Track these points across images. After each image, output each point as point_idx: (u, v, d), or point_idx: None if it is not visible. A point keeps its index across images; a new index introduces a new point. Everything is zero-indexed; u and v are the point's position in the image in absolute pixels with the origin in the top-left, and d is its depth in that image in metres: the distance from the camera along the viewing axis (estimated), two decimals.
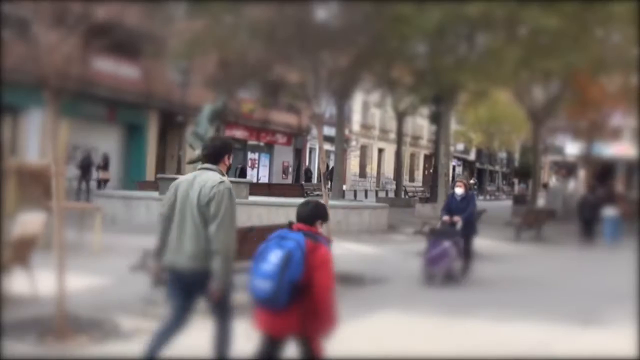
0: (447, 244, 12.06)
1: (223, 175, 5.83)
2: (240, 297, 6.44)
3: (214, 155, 5.88)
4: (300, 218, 5.34)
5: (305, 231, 5.21)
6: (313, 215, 5.36)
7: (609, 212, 21.10)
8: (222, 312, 5.85)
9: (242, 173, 29.85)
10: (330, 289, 5.15)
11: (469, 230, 12.86)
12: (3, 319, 7.59)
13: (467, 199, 13.00)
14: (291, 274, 5.01)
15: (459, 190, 13.03)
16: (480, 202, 42.44)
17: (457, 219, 12.66)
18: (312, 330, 5.22)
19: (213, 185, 5.61)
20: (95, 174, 28.49)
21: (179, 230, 5.73)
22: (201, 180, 5.70)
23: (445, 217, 12.93)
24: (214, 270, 5.54)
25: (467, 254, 12.67)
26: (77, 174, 27.60)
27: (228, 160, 5.95)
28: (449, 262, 12.01)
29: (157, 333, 5.91)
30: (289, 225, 5.32)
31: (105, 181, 27.55)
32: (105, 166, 28.20)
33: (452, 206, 13.02)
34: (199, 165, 5.97)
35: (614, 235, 20.55)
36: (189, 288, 5.80)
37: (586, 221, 21.51)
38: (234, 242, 5.80)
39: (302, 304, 5.07)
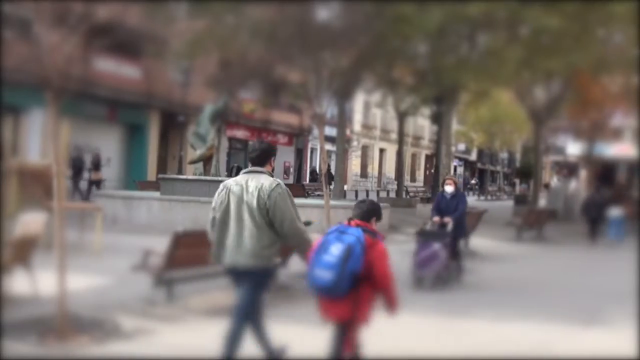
0: (437, 246, 11.71)
1: (272, 176, 6.24)
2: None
3: (261, 158, 6.31)
4: (357, 215, 5.77)
5: (363, 227, 5.64)
6: (369, 212, 5.81)
7: (615, 212, 21.18)
8: (256, 292, 6.26)
9: (238, 172, 29.74)
10: (391, 278, 5.70)
11: (459, 231, 12.54)
12: (5, 319, 7.60)
13: (457, 197, 12.62)
14: (352, 266, 5.42)
15: (449, 189, 12.66)
16: (482, 203, 42.54)
17: (448, 220, 12.29)
18: (360, 318, 5.67)
19: (271, 188, 6.03)
20: (86, 175, 28.22)
21: (237, 232, 6.05)
22: (255, 183, 6.08)
23: (436, 218, 12.59)
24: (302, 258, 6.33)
25: (455, 255, 12.37)
26: (68, 175, 27.45)
27: (273, 163, 6.42)
28: (439, 264, 11.66)
29: (230, 331, 6.20)
30: (348, 221, 5.75)
31: (97, 182, 27.29)
32: (96, 167, 27.93)
33: (442, 205, 12.64)
34: (249, 168, 6.32)
35: (619, 235, 20.62)
36: (245, 281, 6.12)
37: (592, 221, 21.59)
38: (306, 234, 6.23)
39: (357, 293, 5.52)
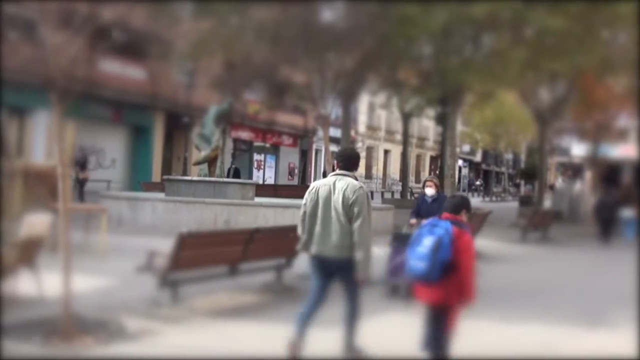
0: None
1: (357, 179, 7.07)
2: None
3: (348, 163, 7.12)
4: (448, 209, 6.61)
5: (452, 220, 6.44)
6: (459, 206, 6.63)
7: (627, 213, 21.23)
8: (355, 293, 7.06)
9: (236, 173, 29.67)
10: (472, 269, 6.39)
11: None
12: (9, 319, 7.61)
13: (439, 200, 11.40)
14: (441, 255, 6.23)
15: (430, 191, 11.86)
16: (487, 204, 42.47)
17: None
18: (454, 301, 6.45)
19: (354, 190, 6.85)
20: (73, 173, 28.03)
21: (323, 226, 6.92)
22: (342, 184, 6.92)
23: (413, 221, 11.66)
24: (358, 259, 6.79)
25: None
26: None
27: (357, 167, 7.24)
28: None
29: (303, 312, 7.06)
30: (439, 215, 6.63)
31: (84, 181, 27.12)
32: (83, 165, 27.78)
33: (422, 209, 11.74)
34: (337, 171, 7.10)
35: (632, 236, 20.66)
36: (331, 272, 7.01)
37: (604, 222, 21.65)
38: (372, 236, 7.06)
39: (449, 279, 6.27)
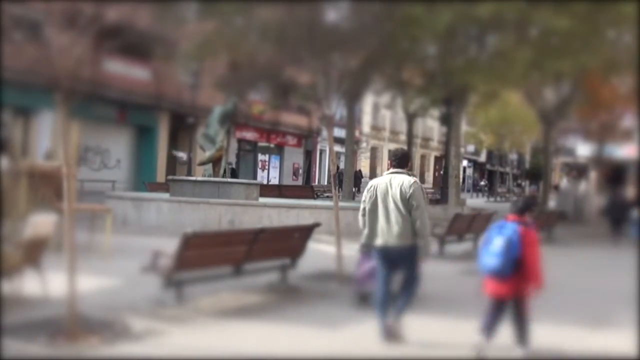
0: None
1: (410, 175, 7.87)
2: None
3: (401, 161, 7.97)
4: (513, 211, 7.39)
5: (518, 221, 7.23)
6: (523, 209, 7.40)
7: (637, 213, 21.27)
8: (415, 278, 7.88)
9: (233, 173, 29.68)
10: (539, 262, 7.19)
11: None
12: (14, 319, 7.64)
13: None
14: (512, 253, 7.04)
15: None
16: (491, 204, 42.39)
17: None
18: (525, 292, 7.27)
19: (410, 184, 7.69)
20: None
21: (385, 219, 7.75)
22: (398, 181, 7.76)
23: None
24: (420, 245, 7.67)
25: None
26: None
27: (408, 164, 8.13)
28: None
29: (380, 302, 7.88)
30: (505, 217, 7.39)
31: None
32: None
33: None
34: (390, 170, 7.93)
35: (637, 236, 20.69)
36: (395, 259, 7.81)
37: (615, 222, 21.72)
38: (427, 224, 7.78)
39: (519, 274, 7.11)
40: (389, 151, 8.14)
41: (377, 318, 7.82)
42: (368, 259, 9.41)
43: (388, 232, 7.73)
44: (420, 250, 7.69)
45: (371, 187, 7.97)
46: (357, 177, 45.92)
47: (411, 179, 7.80)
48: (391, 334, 7.75)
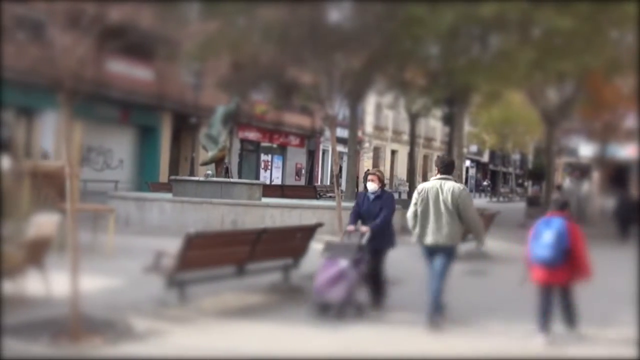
0: (343, 263, 8.96)
1: (456, 182, 8.85)
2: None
3: (448, 169, 8.90)
4: (555, 208, 8.29)
5: (562, 216, 8.11)
6: (564, 204, 8.35)
7: None
8: (448, 271, 8.72)
9: (227, 172, 29.56)
10: (586, 253, 8.06)
11: (382, 242, 9.58)
12: (17, 319, 7.65)
13: (383, 199, 9.68)
14: (562, 244, 7.90)
15: (372, 186, 9.72)
16: (494, 204, 42.39)
17: (365, 230, 9.39)
18: (573, 280, 8.17)
19: (459, 190, 8.66)
20: None
21: (435, 220, 8.61)
22: (447, 187, 8.65)
23: (350, 227, 9.71)
24: (477, 238, 9.48)
25: (376, 276, 9.60)
26: None
27: (453, 171, 9.08)
28: (348, 288, 8.87)
29: (433, 293, 8.55)
30: (547, 213, 8.32)
31: None
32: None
33: (363, 209, 9.76)
34: (438, 176, 8.82)
35: None
36: (440, 259, 8.63)
37: (624, 222, 21.78)
38: (480, 222, 9.13)
39: (567, 264, 7.97)
40: (437, 157, 9.23)
41: (428, 310, 8.49)
42: (331, 265, 9.01)
43: (438, 232, 8.60)
44: (478, 243, 9.62)
45: (422, 190, 8.81)
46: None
47: (460, 185, 8.78)
48: (438, 325, 8.42)
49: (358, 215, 9.80)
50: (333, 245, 9.48)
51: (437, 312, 8.48)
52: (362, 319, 8.85)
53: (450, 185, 8.64)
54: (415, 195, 8.86)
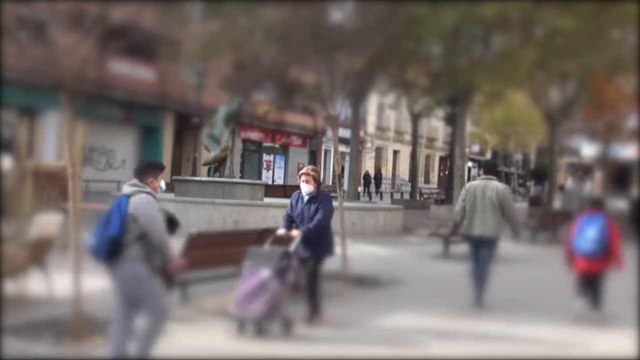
0: (265, 273, 7.84)
1: (499, 181, 10.31)
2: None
3: (491, 170, 10.64)
4: (592, 206, 9.67)
5: (601, 214, 9.44)
6: (601, 202, 9.84)
7: None
8: (491, 260, 10.22)
9: (215, 172, 29.52)
10: (621, 246, 9.40)
11: (318, 249, 8.52)
12: (20, 319, 7.65)
13: (318, 200, 8.58)
14: (603, 239, 9.22)
15: (306, 188, 8.63)
16: None
17: (296, 234, 8.38)
18: (606, 270, 9.49)
19: (503, 189, 10.21)
20: None
21: (482, 214, 10.00)
22: (492, 185, 10.11)
23: (281, 231, 8.68)
24: (514, 229, 10.35)
25: (312, 287, 8.51)
26: None
27: (496, 172, 10.92)
28: (269, 301, 7.77)
29: (476, 276, 10.10)
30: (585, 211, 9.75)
31: None
32: None
33: (296, 211, 8.69)
34: (483, 176, 10.45)
35: None
36: (485, 248, 10.12)
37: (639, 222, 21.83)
38: (518, 217, 10.56)
39: (604, 256, 9.29)
40: (480, 161, 10.40)
41: (474, 293, 9.98)
42: (253, 274, 7.91)
43: (484, 224, 9.98)
44: (514, 234, 10.37)
45: (469, 188, 10.29)
46: (378, 178, 47.19)
47: (502, 185, 10.33)
48: (483, 305, 9.88)
49: (291, 219, 8.73)
50: (255, 253, 8.22)
51: (482, 295, 9.94)
52: (290, 337, 7.84)
53: (494, 184, 10.11)
54: (463, 192, 10.42)
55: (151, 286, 6.08)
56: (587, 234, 9.31)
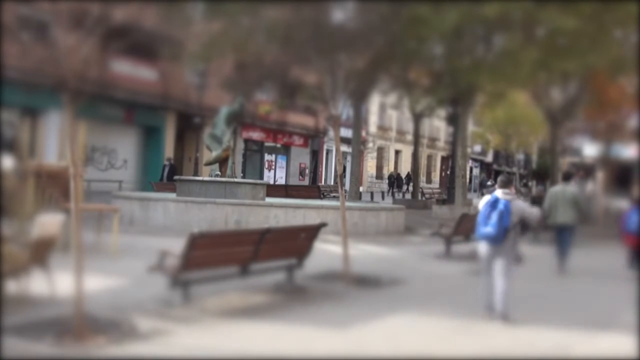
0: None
1: (573, 185, 14.11)
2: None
3: (568, 177, 15.40)
4: (636, 201, 14.11)
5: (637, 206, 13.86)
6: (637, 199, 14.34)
7: None
8: (571, 240, 14.46)
9: (171, 171, 29.47)
10: None
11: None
12: (22, 319, 7.66)
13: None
14: None
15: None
16: None
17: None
18: None
19: (574, 191, 14.59)
20: None
21: (563, 208, 14.28)
22: (568, 189, 14.59)
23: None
24: (583, 215, 14.49)
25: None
26: None
27: (571, 179, 15.74)
28: None
29: (559, 253, 14.28)
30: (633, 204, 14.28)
31: None
32: None
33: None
34: (562, 183, 15.37)
35: None
36: (566, 232, 14.37)
37: None
38: (585, 211, 15.06)
39: None
40: (563, 172, 16.35)
41: (557, 260, 14.17)
42: None
43: (565, 215, 14.30)
44: (584, 216, 14.49)
45: (553, 191, 14.92)
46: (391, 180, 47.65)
47: (574, 189, 15.00)
48: (564, 271, 13.89)
49: None
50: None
51: (565, 265, 14.02)
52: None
53: (570, 189, 14.70)
54: (548, 194, 15.09)
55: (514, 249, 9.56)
56: (632, 219, 13.60)
